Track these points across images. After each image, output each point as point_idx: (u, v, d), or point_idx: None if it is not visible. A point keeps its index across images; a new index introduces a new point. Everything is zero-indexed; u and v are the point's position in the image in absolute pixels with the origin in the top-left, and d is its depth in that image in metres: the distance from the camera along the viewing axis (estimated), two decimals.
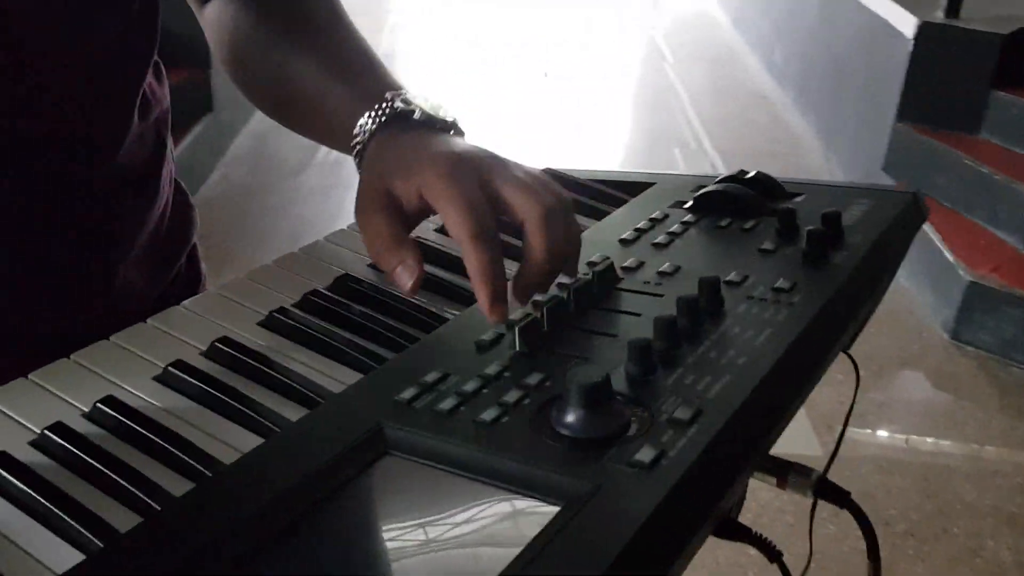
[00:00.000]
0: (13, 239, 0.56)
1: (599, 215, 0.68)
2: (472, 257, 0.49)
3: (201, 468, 0.40)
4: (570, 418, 0.39)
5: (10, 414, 0.44)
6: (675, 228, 0.62)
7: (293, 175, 3.33)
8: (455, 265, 0.58)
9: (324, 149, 3.42)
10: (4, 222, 0.55)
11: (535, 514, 0.36)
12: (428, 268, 0.53)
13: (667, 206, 0.66)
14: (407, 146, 0.54)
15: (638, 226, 0.62)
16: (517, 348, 0.46)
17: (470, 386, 0.43)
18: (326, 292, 0.56)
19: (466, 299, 0.55)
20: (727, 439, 0.39)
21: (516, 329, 0.47)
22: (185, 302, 0.54)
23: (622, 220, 0.64)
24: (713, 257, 0.57)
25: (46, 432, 0.42)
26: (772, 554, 0.46)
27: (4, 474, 0.40)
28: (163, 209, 0.67)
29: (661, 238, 0.60)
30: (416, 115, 0.56)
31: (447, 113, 0.58)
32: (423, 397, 0.43)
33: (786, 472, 0.50)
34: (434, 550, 0.37)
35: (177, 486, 0.40)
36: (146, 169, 0.64)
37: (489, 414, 0.41)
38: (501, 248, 0.50)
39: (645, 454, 0.38)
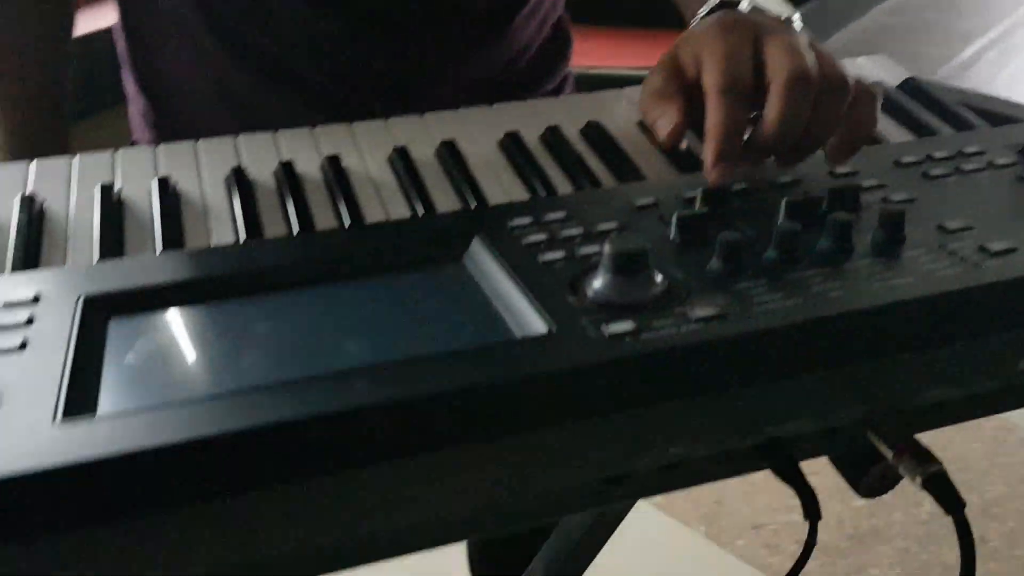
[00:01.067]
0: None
1: (923, 133, 0.59)
2: (711, 111, 0.49)
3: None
4: (593, 279, 0.40)
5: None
6: (971, 166, 0.52)
7: None
8: None
9: (953, 63, 3.17)
10: None
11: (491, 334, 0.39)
12: None
13: (1001, 145, 0.55)
14: (711, 20, 0.55)
15: (935, 154, 0.53)
16: (672, 235, 0.45)
17: (569, 232, 0.45)
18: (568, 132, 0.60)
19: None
20: (718, 351, 0.37)
21: (675, 215, 0.46)
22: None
23: (930, 145, 0.55)
24: (964, 203, 0.48)
25: None
26: (809, 509, 0.41)
27: None
28: None
29: (940, 170, 0.51)
30: (742, 5, 0.56)
31: (784, 11, 0.56)
32: (528, 228, 0.46)
33: (910, 450, 0.42)
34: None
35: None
36: None
37: (552, 255, 0.43)
38: (748, 110, 0.49)
39: (618, 326, 0.37)
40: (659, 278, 0.40)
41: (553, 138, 0.58)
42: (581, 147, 0.58)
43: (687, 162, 0.57)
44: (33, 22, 0.69)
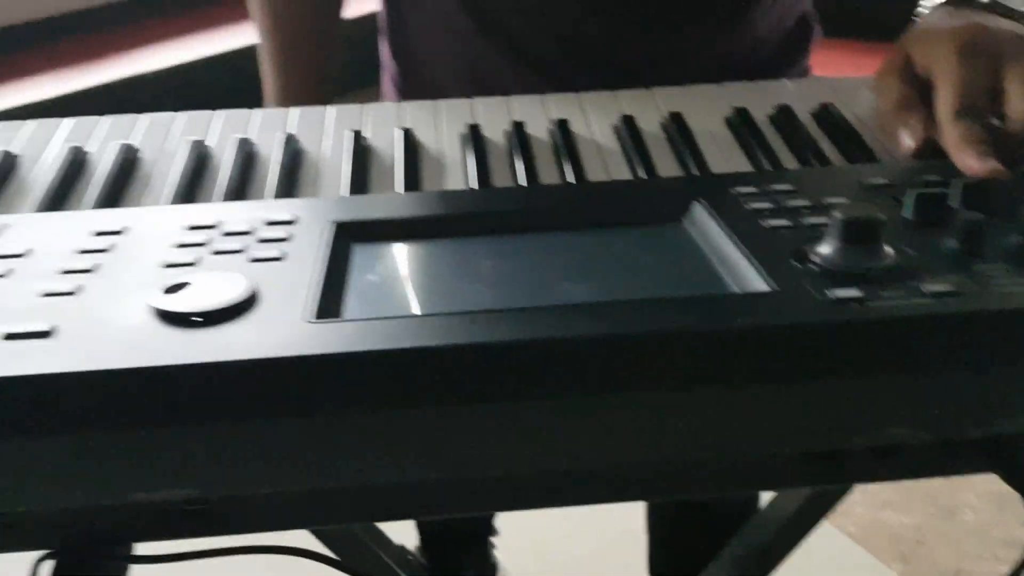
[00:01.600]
0: None
1: None
2: (948, 134, 0.48)
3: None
4: (820, 246, 0.39)
5: None
6: None
7: None
8: None
9: None
10: None
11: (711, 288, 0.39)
12: None
13: None
14: (944, 17, 0.53)
15: None
16: (907, 214, 0.44)
17: (795, 203, 0.45)
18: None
19: None
20: (950, 328, 0.35)
21: (914, 193, 0.44)
22: None
23: None
24: None
25: None
26: None
27: None
28: None
29: None
30: None
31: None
32: (752, 196, 0.46)
33: None
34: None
35: None
36: None
37: (776, 222, 0.43)
38: (987, 129, 0.47)
39: (844, 291, 0.36)
40: (889, 250, 0.39)
41: (783, 117, 0.58)
42: (812, 128, 0.57)
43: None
44: None
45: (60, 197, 0.51)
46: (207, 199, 0.51)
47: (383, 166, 0.53)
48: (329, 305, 0.37)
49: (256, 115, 0.59)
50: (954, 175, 0.46)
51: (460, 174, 0.53)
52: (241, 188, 0.51)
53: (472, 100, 0.60)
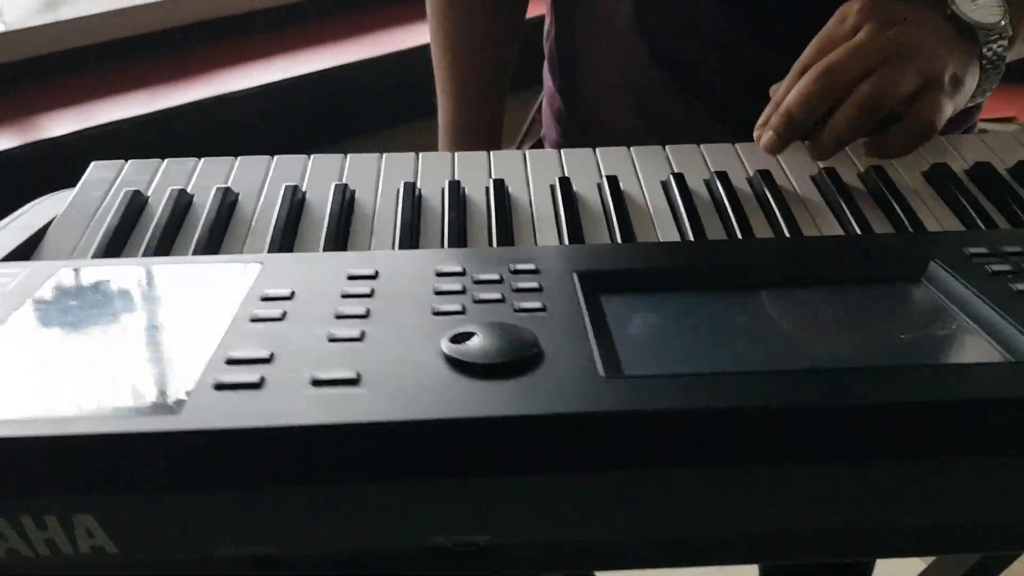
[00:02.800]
0: None
1: None
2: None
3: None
4: None
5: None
6: None
7: None
8: None
9: None
10: None
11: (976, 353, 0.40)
12: None
13: None
14: None
15: None
16: None
17: None
18: None
19: None
20: None
21: None
22: None
23: None
24: None
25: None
26: None
27: None
28: None
29: None
30: None
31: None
32: (988, 258, 0.46)
33: None
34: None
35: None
36: None
37: (1021, 286, 0.43)
38: (827, 93, 0.54)
39: None
40: None
41: (982, 172, 0.58)
42: (1013, 183, 0.57)
43: None
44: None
45: (289, 237, 0.53)
46: (427, 242, 0.53)
47: (592, 213, 0.55)
48: (611, 360, 0.38)
49: (449, 159, 0.61)
50: None
51: (669, 225, 0.54)
52: (460, 234, 0.53)
53: (666, 148, 0.61)
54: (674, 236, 0.53)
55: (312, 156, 0.60)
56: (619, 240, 0.52)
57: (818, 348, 0.41)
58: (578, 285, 0.44)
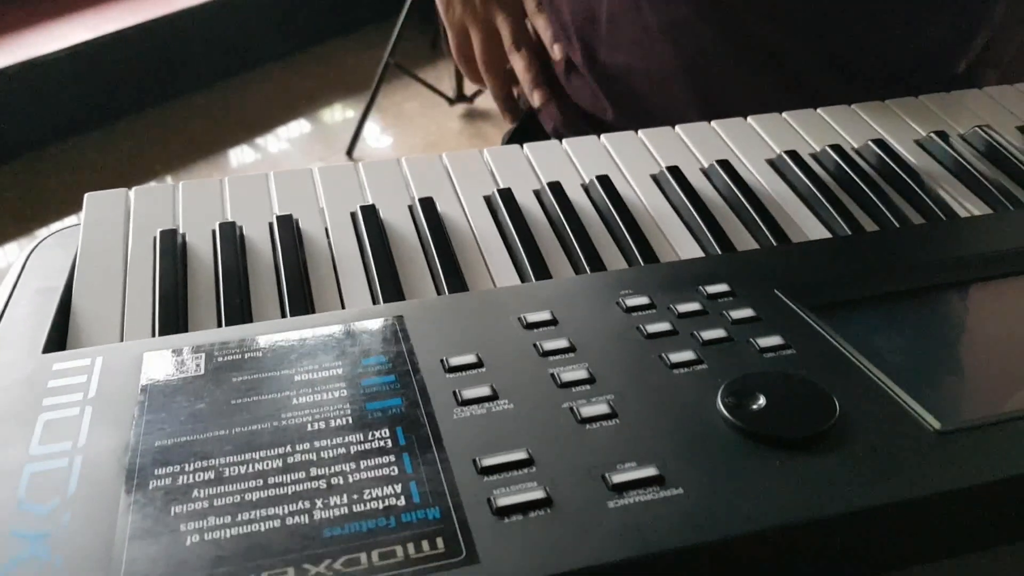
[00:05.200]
0: None
1: None
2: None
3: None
4: None
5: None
6: None
7: None
8: None
9: None
10: None
11: None
12: None
13: None
14: None
15: None
16: None
17: None
18: None
19: None
20: None
21: None
22: None
23: None
24: None
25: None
26: None
27: None
28: None
29: None
30: None
31: None
32: None
33: None
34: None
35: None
36: None
37: None
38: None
39: None
40: None
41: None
42: None
43: None
44: None
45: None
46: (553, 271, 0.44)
47: (721, 210, 0.48)
48: (937, 407, 0.32)
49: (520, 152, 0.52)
50: None
51: (807, 216, 0.48)
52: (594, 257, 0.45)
53: (741, 120, 0.55)
54: (818, 231, 0.47)
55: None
56: (770, 240, 0.45)
57: None
58: (794, 305, 0.38)
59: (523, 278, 0.42)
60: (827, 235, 0.46)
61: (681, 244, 0.45)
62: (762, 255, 0.44)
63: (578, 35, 0.67)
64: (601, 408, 0.31)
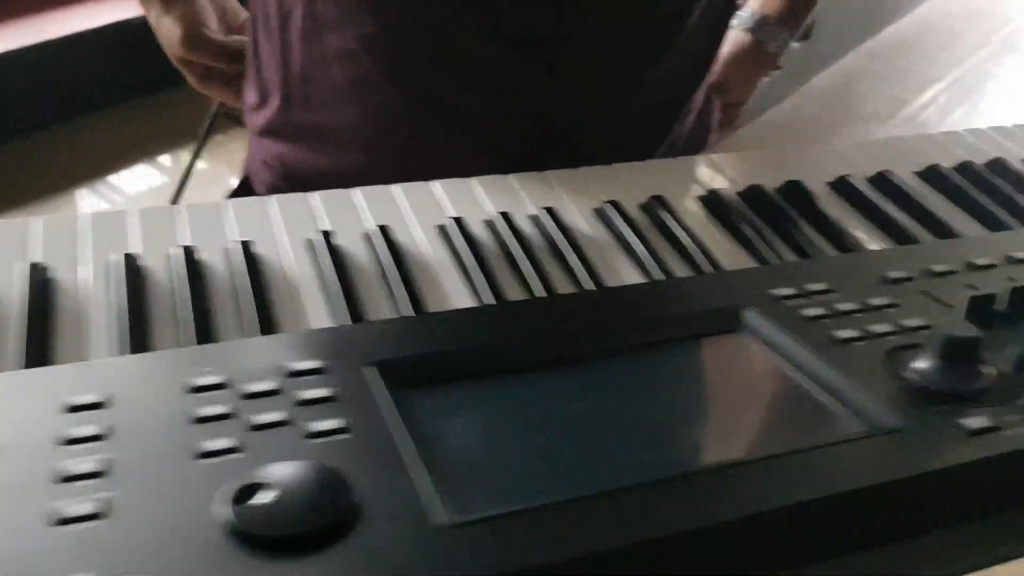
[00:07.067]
0: None
1: None
2: None
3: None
4: (919, 364, 0.38)
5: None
6: None
7: (863, 122, 3.22)
8: None
9: (913, 105, 3.27)
10: None
11: (836, 426, 0.37)
12: None
13: None
14: None
15: None
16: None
17: (846, 305, 0.43)
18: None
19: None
20: None
21: (968, 298, 0.44)
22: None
23: None
24: None
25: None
26: None
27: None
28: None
29: None
30: None
31: None
32: (798, 300, 0.44)
33: None
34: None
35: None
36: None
37: (845, 333, 0.41)
38: None
39: (975, 421, 0.35)
40: (986, 367, 0.38)
41: (754, 196, 0.56)
42: (784, 204, 0.56)
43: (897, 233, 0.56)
44: None
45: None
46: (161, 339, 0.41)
47: (366, 277, 0.46)
48: (452, 499, 0.30)
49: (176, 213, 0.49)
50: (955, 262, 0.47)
51: (459, 284, 0.46)
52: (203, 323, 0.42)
53: (430, 184, 0.54)
54: (463, 297, 0.45)
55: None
56: (405, 310, 0.44)
57: (674, 445, 0.36)
58: (382, 384, 0.35)
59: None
60: (473, 304, 0.45)
61: (315, 315, 0.43)
62: (384, 326, 0.41)
63: (279, 93, 0.64)
64: (85, 507, 0.28)
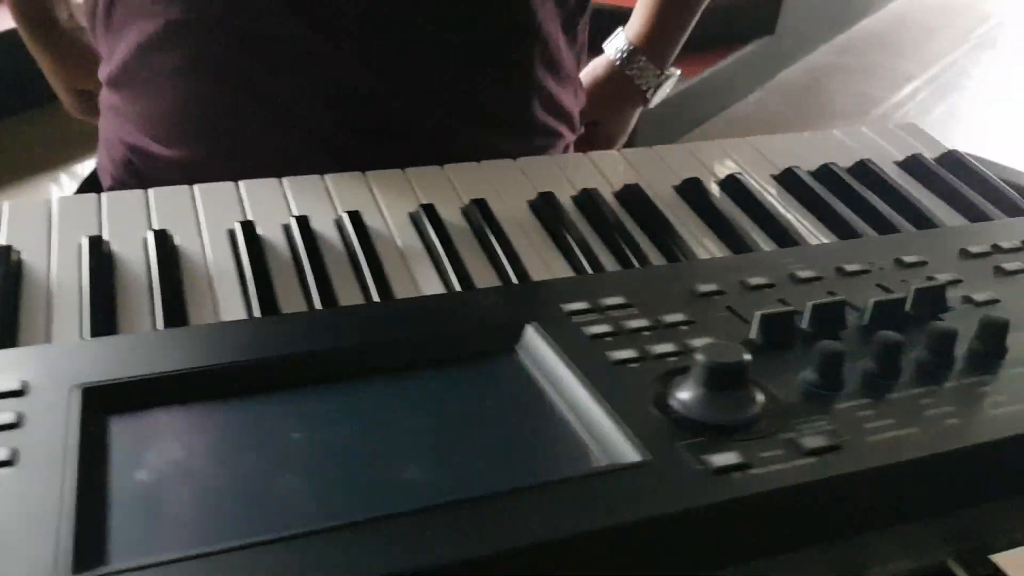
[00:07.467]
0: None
1: (976, 217, 0.56)
2: None
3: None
4: (682, 392, 0.35)
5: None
6: None
7: (831, 118, 3.19)
8: None
9: (887, 104, 3.24)
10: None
11: (577, 460, 0.33)
12: None
13: None
14: None
15: (1002, 244, 0.50)
16: (754, 335, 0.40)
17: (634, 323, 0.40)
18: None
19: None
20: (841, 490, 0.32)
21: (759, 315, 0.41)
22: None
23: (992, 232, 0.52)
24: None
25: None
26: None
27: None
28: None
29: (1013, 264, 0.48)
30: None
31: None
32: (587, 315, 0.41)
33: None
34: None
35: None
36: None
37: (623, 354, 0.38)
38: None
39: (722, 458, 0.32)
40: (757, 393, 0.35)
41: (588, 201, 0.53)
42: (620, 212, 0.53)
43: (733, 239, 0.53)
44: None
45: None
46: None
47: (134, 287, 0.42)
48: (87, 545, 0.27)
49: None
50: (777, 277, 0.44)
51: (237, 296, 0.43)
52: None
53: (237, 184, 0.51)
54: (237, 308, 0.42)
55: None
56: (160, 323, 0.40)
57: (395, 480, 0.33)
58: (79, 409, 0.32)
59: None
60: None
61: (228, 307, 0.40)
62: (127, 342, 0.38)
63: (109, 83, 0.61)
64: None
